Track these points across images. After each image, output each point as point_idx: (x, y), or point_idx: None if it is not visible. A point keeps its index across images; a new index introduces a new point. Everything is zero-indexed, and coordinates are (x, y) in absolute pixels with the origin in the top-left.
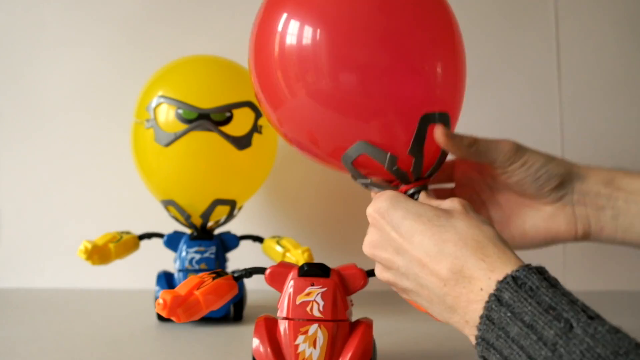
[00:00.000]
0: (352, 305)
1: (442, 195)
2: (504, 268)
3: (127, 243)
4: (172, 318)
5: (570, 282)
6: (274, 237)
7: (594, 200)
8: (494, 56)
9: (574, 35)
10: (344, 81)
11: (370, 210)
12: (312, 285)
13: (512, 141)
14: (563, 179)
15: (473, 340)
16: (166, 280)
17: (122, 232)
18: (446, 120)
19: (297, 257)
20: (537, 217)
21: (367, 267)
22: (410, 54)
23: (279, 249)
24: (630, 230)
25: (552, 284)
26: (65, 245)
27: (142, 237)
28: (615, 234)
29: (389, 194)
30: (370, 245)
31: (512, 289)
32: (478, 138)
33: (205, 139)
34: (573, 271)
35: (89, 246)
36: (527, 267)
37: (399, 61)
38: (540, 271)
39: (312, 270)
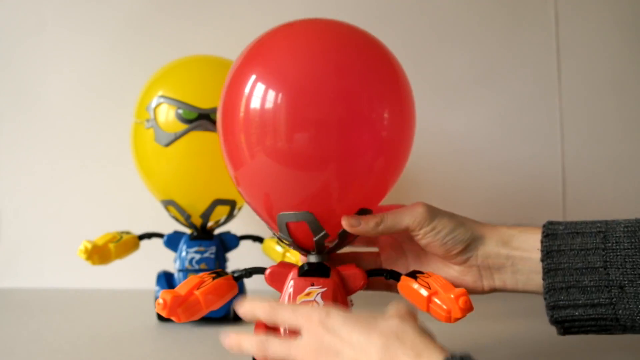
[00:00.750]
0: (352, 305)
1: (368, 258)
2: (431, 356)
3: (127, 243)
4: (172, 318)
5: None
6: (274, 237)
7: (495, 260)
8: (494, 56)
9: (574, 35)
10: (298, 138)
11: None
12: (312, 285)
13: (425, 205)
14: (468, 244)
15: None
16: (166, 280)
17: (122, 232)
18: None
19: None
20: (450, 272)
21: (367, 267)
22: (360, 109)
23: (279, 249)
24: (529, 283)
25: None
26: (65, 245)
27: (142, 237)
28: (516, 287)
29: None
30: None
31: None
32: (384, 215)
33: (205, 139)
34: None
35: (89, 246)
36: (452, 357)
37: (349, 116)
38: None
39: (312, 270)
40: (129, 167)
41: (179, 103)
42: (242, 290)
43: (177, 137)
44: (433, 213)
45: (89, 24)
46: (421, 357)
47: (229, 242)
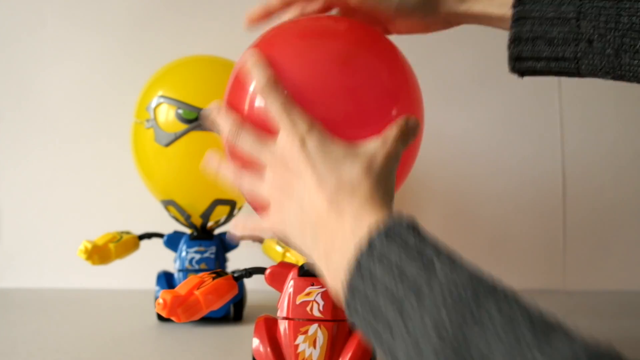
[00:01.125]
0: None
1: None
2: (370, 220)
3: (127, 243)
4: (172, 318)
5: (570, 282)
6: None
7: (462, 17)
8: (494, 56)
9: None
10: None
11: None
12: (313, 285)
13: None
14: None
15: (339, 285)
16: (166, 280)
17: (122, 232)
18: None
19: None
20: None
21: None
22: (367, 106)
23: (279, 249)
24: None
25: (421, 232)
26: (65, 245)
27: (142, 237)
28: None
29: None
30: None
31: (381, 236)
32: None
33: (205, 139)
34: (573, 271)
35: (89, 246)
36: (400, 216)
37: (354, 114)
38: (412, 222)
39: (313, 270)
40: (129, 167)
41: (179, 103)
42: (242, 291)
43: (177, 137)
44: None
45: (89, 24)
46: (360, 221)
47: (229, 242)
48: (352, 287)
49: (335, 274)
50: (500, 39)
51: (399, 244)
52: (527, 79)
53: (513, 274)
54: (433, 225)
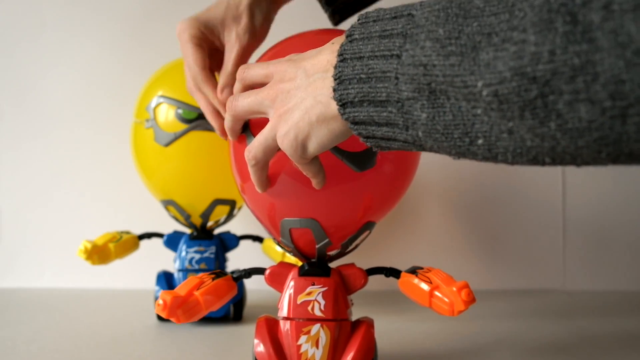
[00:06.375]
0: (352, 304)
1: None
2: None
3: (127, 243)
4: (172, 319)
5: (570, 282)
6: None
7: None
8: None
9: None
10: None
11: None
12: (313, 284)
13: None
14: None
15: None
16: (166, 280)
17: (122, 232)
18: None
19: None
20: None
21: (366, 267)
22: None
23: (278, 249)
24: None
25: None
26: (65, 245)
27: (142, 237)
28: None
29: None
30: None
31: (359, 23)
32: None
33: (205, 139)
34: (573, 271)
35: (89, 246)
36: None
37: None
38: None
39: (313, 270)
40: (129, 167)
41: (179, 103)
42: (241, 290)
43: (177, 137)
44: None
45: (89, 24)
46: (334, 51)
47: (229, 242)
48: (343, 54)
49: (323, 82)
50: None
51: (374, 19)
52: None
53: (513, 274)
54: (433, 225)
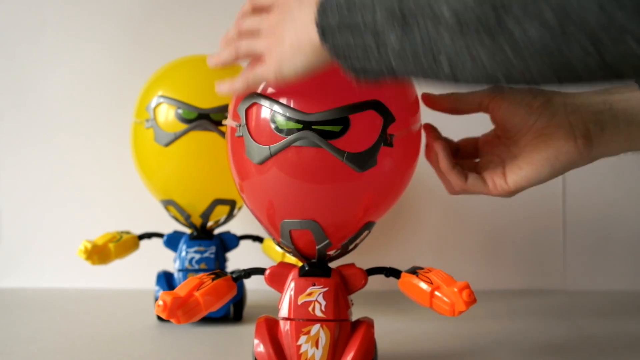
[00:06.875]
0: (352, 304)
1: (469, 166)
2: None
3: (127, 243)
4: (172, 320)
5: (570, 282)
6: None
7: (587, 108)
8: None
9: None
10: (309, 150)
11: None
12: (314, 285)
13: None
14: (547, 96)
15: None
16: (166, 280)
17: (122, 232)
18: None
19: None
20: (552, 144)
21: (366, 267)
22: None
23: (278, 249)
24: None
25: None
26: (65, 245)
27: (142, 237)
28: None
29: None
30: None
31: None
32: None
33: (205, 139)
34: (573, 271)
35: (89, 246)
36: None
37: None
38: None
39: (313, 270)
40: (129, 167)
41: (179, 103)
42: (241, 290)
43: (177, 137)
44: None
45: (88, 24)
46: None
47: (229, 242)
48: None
49: (307, 24)
50: None
51: None
52: None
53: (513, 274)
54: (433, 225)
